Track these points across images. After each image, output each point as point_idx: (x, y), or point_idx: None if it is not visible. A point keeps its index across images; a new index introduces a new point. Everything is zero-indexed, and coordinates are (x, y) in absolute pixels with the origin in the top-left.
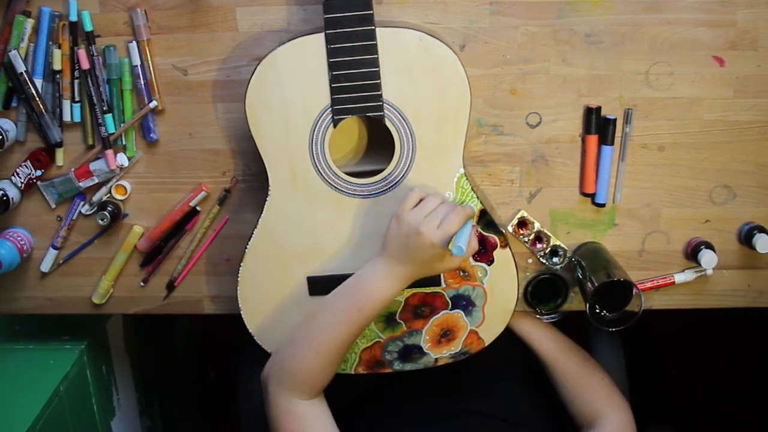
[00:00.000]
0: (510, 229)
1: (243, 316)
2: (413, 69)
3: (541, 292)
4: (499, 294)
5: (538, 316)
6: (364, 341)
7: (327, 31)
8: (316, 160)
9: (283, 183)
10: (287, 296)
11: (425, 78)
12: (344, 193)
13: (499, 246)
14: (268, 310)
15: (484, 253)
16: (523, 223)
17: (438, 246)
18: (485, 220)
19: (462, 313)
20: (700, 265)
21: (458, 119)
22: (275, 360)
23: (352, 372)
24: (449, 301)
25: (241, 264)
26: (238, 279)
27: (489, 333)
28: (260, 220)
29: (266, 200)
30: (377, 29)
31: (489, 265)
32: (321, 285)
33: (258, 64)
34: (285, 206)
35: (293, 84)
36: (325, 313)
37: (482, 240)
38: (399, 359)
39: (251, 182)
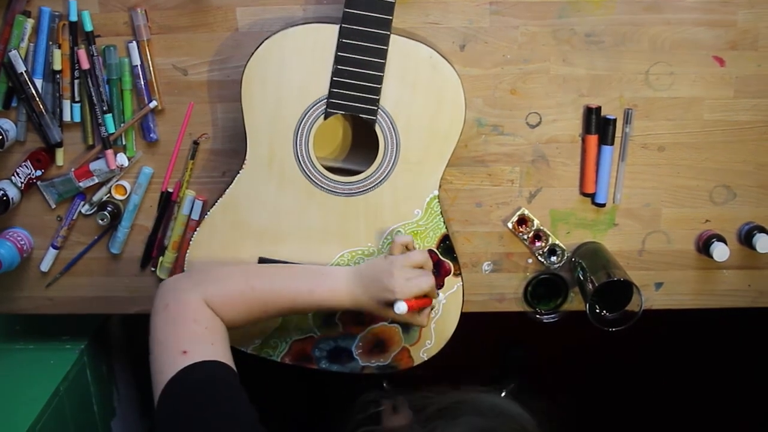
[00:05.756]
0: (510, 226)
1: None
2: (416, 83)
3: (541, 292)
4: (441, 319)
5: (537, 316)
6: (298, 333)
7: (343, 25)
8: (297, 147)
9: (259, 160)
10: (226, 263)
11: (425, 95)
12: (317, 185)
13: (452, 273)
14: None
15: (437, 276)
16: (522, 221)
17: (394, 294)
18: (445, 245)
19: (400, 328)
20: (712, 258)
21: (446, 143)
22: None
23: (279, 360)
24: None
25: (197, 228)
26: (191, 242)
27: (420, 354)
28: (227, 189)
29: (238, 172)
30: (391, 35)
31: (438, 289)
32: None
33: (266, 38)
34: (255, 183)
35: (295, 66)
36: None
37: (437, 264)
38: (327, 359)
39: None
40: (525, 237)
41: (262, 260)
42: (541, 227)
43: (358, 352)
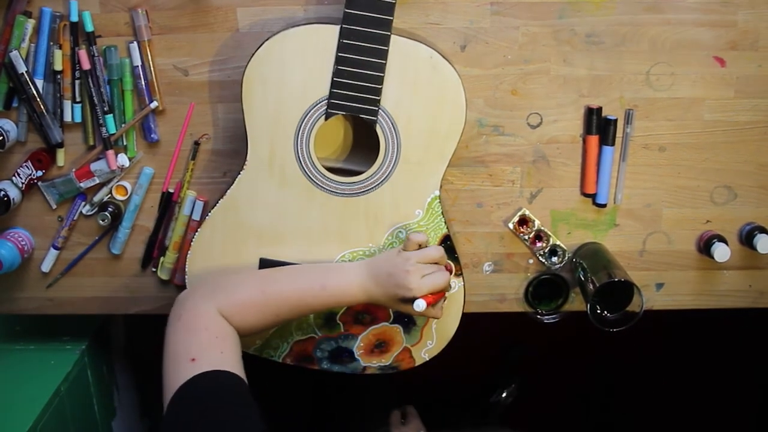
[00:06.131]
0: (511, 226)
1: (187, 281)
2: (417, 83)
3: (542, 293)
4: (442, 320)
5: (538, 317)
6: (299, 333)
7: (343, 25)
8: (298, 147)
9: (260, 161)
10: (235, 271)
11: (426, 95)
12: (318, 186)
13: (453, 274)
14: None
15: None
16: (523, 221)
17: (411, 292)
18: (447, 245)
19: (401, 328)
20: (713, 258)
21: (446, 143)
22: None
23: (280, 360)
24: (392, 314)
25: (198, 229)
26: (192, 243)
27: (422, 354)
28: (229, 190)
29: (239, 173)
30: (392, 36)
31: None
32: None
33: (267, 38)
34: (256, 183)
35: (296, 67)
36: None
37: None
38: (329, 359)
39: None
40: (526, 237)
41: (263, 261)
42: (542, 228)
43: (360, 353)
